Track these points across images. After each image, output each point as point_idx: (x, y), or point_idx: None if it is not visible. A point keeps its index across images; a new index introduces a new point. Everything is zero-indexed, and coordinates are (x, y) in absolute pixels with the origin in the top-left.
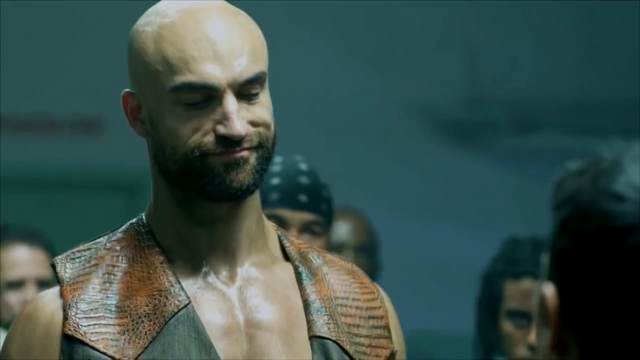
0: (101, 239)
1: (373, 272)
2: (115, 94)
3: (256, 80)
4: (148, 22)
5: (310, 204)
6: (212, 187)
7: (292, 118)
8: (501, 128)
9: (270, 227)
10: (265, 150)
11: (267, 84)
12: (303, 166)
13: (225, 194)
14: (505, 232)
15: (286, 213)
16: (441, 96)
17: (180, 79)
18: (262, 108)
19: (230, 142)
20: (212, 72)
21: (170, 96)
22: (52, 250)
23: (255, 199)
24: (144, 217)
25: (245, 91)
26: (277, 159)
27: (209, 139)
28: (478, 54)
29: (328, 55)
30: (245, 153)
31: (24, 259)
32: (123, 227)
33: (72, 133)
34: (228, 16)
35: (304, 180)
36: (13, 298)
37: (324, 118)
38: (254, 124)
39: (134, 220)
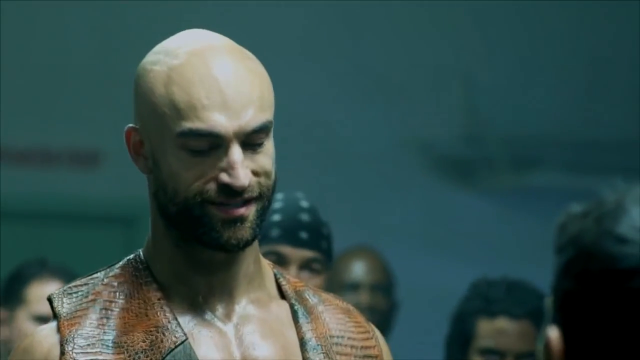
0: (98, 274)
1: (390, 310)
2: (113, 128)
3: (263, 130)
4: (157, 61)
5: (310, 241)
6: (209, 239)
7: (290, 154)
8: (499, 165)
9: (267, 265)
10: (265, 199)
11: (272, 132)
12: (304, 203)
13: (223, 248)
14: (502, 269)
15: (286, 250)
16: (439, 133)
17: (188, 125)
18: (266, 157)
19: (232, 192)
20: (220, 121)
21: (176, 140)
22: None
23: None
24: (141, 252)
25: (251, 140)
26: (278, 195)
27: (211, 186)
28: (476, 90)
29: (326, 91)
30: (245, 211)
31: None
32: (120, 262)
33: (70, 166)
34: (238, 61)
35: (304, 217)
36: None
37: (321, 154)
38: (255, 173)
39: (132, 255)
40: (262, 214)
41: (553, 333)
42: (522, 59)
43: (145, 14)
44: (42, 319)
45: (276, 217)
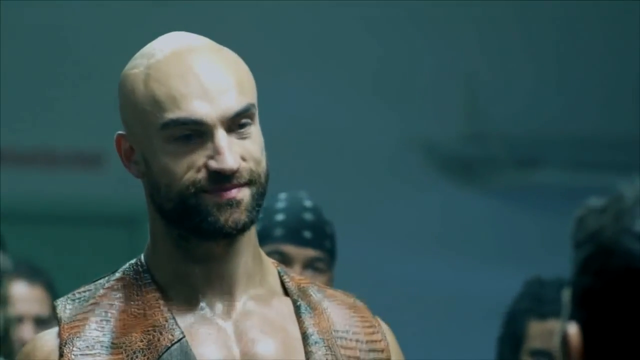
0: (101, 280)
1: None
2: (117, 129)
3: (245, 113)
4: (135, 65)
5: (314, 241)
6: (207, 225)
7: (292, 154)
8: (501, 164)
9: (270, 263)
10: (258, 185)
11: (257, 119)
12: (307, 203)
13: (220, 233)
14: (504, 268)
15: (290, 249)
16: (441, 132)
17: (169, 115)
18: (253, 143)
19: (222, 178)
20: (201, 107)
21: (160, 134)
22: (52, 288)
23: (251, 235)
24: (142, 257)
25: (235, 125)
26: (282, 195)
27: (202, 175)
28: (478, 89)
29: (328, 91)
30: (237, 193)
31: (22, 295)
32: (123, 267)
33: (72, 167)
34: (213, 52)
35: (308, 216)
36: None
37: (323, 153)
38: (244, 159)
39: (134, 260)
40: (258, 199)
41: (572, 329)
42: (524, 58)
43: (150, 15)
44: (10, 322)
45: (280, 217)
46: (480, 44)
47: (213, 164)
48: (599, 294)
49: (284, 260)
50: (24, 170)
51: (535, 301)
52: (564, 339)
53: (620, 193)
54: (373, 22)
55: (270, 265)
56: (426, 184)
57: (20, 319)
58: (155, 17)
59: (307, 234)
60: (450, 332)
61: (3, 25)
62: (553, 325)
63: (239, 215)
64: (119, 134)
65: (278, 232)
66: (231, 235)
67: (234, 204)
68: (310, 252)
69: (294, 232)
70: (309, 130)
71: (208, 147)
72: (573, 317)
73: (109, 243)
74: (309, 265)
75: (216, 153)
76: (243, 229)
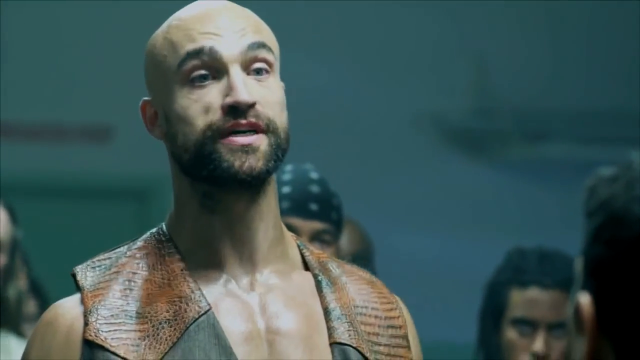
0: (121, 248)
1: None
2: (125, 103)
3: (260, 48)
4: (160, 28)
5: (320, 213)
6: (221, 172)
7: (300, 128)
8: (510, 137)
9: (290, 236)
10: (277, 137)
11: (277, 73)
12: (313, 175)
13: (235, 179)
14: (514, 241)
15: (296, 222)
16: (450, 106)
17: (185, 50)
18: (272, 94)
19: (237, 111)
20: (217, 40)
21: (177, 76)
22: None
23: (272, 201)
24: (164, 226)
25: (251, 66)
26: (288, 167)
27: (217, 115)
28: (487, 63)
29: (337, 65)
30: (254, 140)
31: None
32: (143, 236)
33: (82, 141)
34: (234, 6)
35: (314, 188)
36: None
37: (332, 128)
38: (262, 104)
39: (154, 229)
40: (276, 151)
41: (584, 299)
42: (533, 32)
43: None
44: None
45: (286, 189)
46: (488, 18)
47: (228, 99)
48: (610, 263)
49: (291, 232)
50: (32, 145)
51: (517, 271)
52: (576, 309)
53: (631, 162)
54: None
55: (291, 239)
56: (435, 158)
57: None
58: None
59: (314, 207)
60: (458, 306)
61: (12, 3)
62: (534, 293)
63: (255, 162)
64: (144, 100)
65: (284, 204)
66: (246, 182)
67: (249, 150)
68: (316, 225)
69: (300, 205)
70: (318, 105)
71: (223, 86)
72: (585, 286)
73: (117, 217)
74: (316, 237)
75: (230, 89)
76: (258, 176)
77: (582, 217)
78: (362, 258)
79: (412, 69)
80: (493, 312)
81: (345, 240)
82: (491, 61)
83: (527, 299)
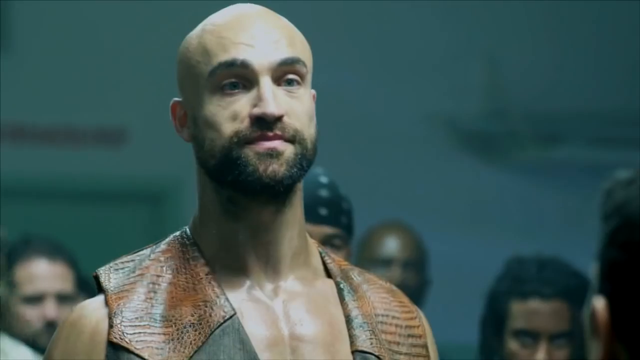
0: (144, 251)
1: (422, 287)
2: (139, 106)
3: (292, 64)
4: (194, 30)
5: (330, 217)
6: (245, 176)
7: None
8: (523, 140)
9: (312, 243)
10: (303, 147)
11: (308, 84)
12: (323, 179)
13: (258, 183)
14: (526, 244)
15: (307, 227)
16: (463, 108)
17: (217, 59)
18: (301, 105)
19: (264, 123)
20: (248, 52)
21: (208, 83)
22: (74, 264)
23: (297, 210)
24: (187, 229)
25: (282, 78)
26: None
27: (245, 124)
28: (500, 65)
29: (352, 67)
30: (279, 145)
31: (43, 273)
32: (166, 239)
33: (96, 144)
34: (270, 14)
35: (324, 193)
36: (32, 313)
37: (347, 129)
38: (290, 115)
39: (177, 232)
40: (301, 160)
41: (599, 303)
42: (546, 34)
43: None
44: (31, 300)
45: None
46: (502, 20)
47: (256, 110)
48: (624, 267)
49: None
50: (47, 148)
51: (516, 281)
52: (592, 313)
53: None
54: None
55: (313, 246)
56: (447, 160)
57: (42, 297)
58: None
59: (323, 211)
60: (475, 307)
61: (25, 4)
62: (535, 305)
63: (278, 167)
64: (175, 101)
65: None
66: (269, 187)
67: (274, 154)
68: (326, 229)
69: (310, 210)
70: (331, 106)
71: (253, 96)
72: (600, 290)
73: (132, 220)
74: (326, 242)
75: (259, 100)
76: (282, 182)
77: (595, 219)
78: (415, 265)
79: (424, 71)
80: (494, 322)
81: (397, 246)
82: (503, 63)
83: (527, 310)
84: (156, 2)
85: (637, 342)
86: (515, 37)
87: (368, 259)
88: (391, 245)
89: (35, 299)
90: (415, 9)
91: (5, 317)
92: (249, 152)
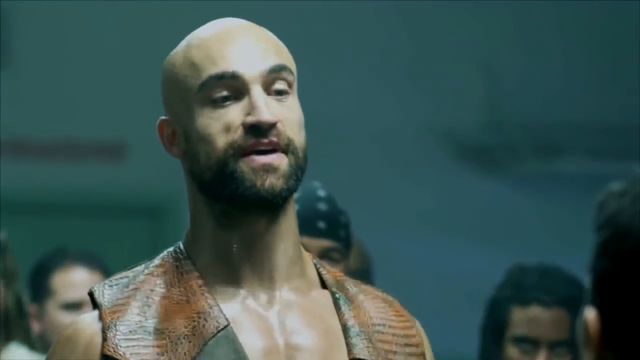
0: (138, 267)
1: None
2: (140, 120)
3: (281, 70)
4: (177, 47)
5: (328, 231)
6: (243, 190)
7: (312, 140)
8: (522, 152)
9: (307, 255)
10: (296, 157)
11: (295, 94)
12: (321, 192)
13: (256, 198)
14: (525, 256)
15: (304, 240)
16: (462, 120)
17: (207, 73)
18: (291, 113)
19: (258, 131)
20: (237, 63)
21: (198, 97)
22: (109, 274)
23: (292, 221)
24: (181, 244)
25: (272, 87)
26: None
27: (239, 134)
28: (499, 77)
29: (349, 78)
30: (274, 159)
31: (82, 280)
32: (161, 254)
33: (96, 158)
34: (254, 26)
35: (322, 206)
36: (70, 319)
37: (344, 141)
38: (282, 123)
39: (171, 248)
40: (296, 171)
41: (590, 314)
42: (545, 45)
43: (172, 6)
44: (70, 306)
45: None
46: (500, 31)
47: (249, 118)
48: (614, 277)
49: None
50: (46, 162)
51: (517, 288)
52: (584, 324)
53: (638, 176)
54: (393, 9)
55: (308, 257)
56: (446, 173)
57: (81, 304)
58: (180, 7)
59: (321, 225)
60: (474, 317)
61: (24, 15)
62: (535, 312)
63: (276, 181)
64: (162, 119)
65: None
66: (267, 201)
67: (270, 169)
68: (324, 243)
69: (308, 223)
70: (328, 117)
71: (244, 105)
72: (592, 301)
73: (131, 233)
74: (324, 255)
75: (252, 108)
76: (280, 195)
77: (593, 231)
78: (360, 274)
79: (422, 83)
80: (494, 329)
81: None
82: (502, 75)
83: (528, 318)
84: (155, 17)
85: (627, 351)
86: (513, 49)
87: None
88: None
89: (75, 306)
90: (413, 21)
91: (16, 326)
92: (245, 167)
